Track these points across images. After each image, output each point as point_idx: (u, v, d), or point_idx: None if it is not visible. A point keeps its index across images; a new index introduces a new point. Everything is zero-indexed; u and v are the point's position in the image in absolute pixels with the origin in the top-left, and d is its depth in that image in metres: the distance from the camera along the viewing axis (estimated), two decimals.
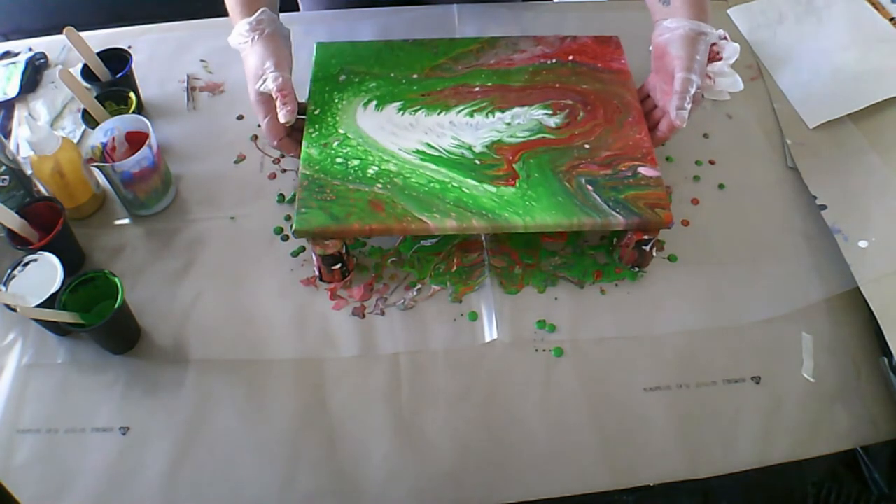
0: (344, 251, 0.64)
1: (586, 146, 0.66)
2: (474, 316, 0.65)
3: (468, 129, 0.68)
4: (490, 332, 0.64)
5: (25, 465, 0.58)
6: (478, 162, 0.65)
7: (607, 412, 0.60)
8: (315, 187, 0.64)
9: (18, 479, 0.57)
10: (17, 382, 0.62)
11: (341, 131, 0.68)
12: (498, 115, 0.69)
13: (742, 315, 0.65)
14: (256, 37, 0.66)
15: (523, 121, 0.69)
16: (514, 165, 0.65)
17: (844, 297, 0.66)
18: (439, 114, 0.69)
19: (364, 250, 0.69)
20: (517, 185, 0.63)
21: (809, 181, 0.73)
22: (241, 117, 0.81)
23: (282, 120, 0.64)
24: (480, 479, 0.57)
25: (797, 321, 0.65)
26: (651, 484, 0.57)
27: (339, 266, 0.65)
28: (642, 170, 0.64)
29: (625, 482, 0.57)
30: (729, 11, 0.92)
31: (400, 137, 0.67)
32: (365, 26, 0.89)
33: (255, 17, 0.67)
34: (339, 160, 0.65)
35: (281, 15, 0.71)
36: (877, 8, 0.87)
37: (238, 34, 0.68)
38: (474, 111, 0.70)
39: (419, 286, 0.67)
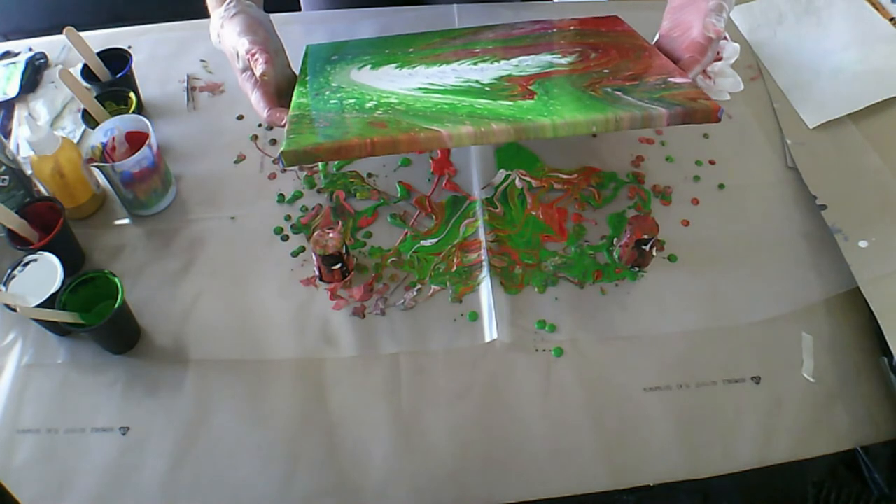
0: (344, 251, 0.64)
1: (605, 70, 0.62)
2: (474, 316, 0.65)
3: (473, 72, 0.65)
4: (490, 332, 0.64)
5: (25, 465, 0.58)
6: (488, 89, 0.61)
7: (607, 412, 0.60)
8: (306, 120, 0.59)
9: (18, 479, 0.57)
10: (17, 382, 0.62)
11: (334, 85, 0.65)
12: (504, 62, 0.66)
13: (742, 315, 0.65)
14: (224, 23, 0.65)
15: (532, 63, 0.65)
16: (529, 87, 0.60)
17: (844, 297, 0.66)
18: (440, 66, 0.66)
19: (364, 250, 0.69)
20: (536, 98, 0.58)
21: (809, 181, 0.73)
22: (241, 117, 0.81)
23: (258, 71, 0.61)
24: (480, 479, 0.57)
25: (797, 321, 0.65)
26: (651, 484, 0.57)
27: (339, 266, 0.65)
28: (672, 79, 0.59)
29: (625, 482, 0.57)
30: None
31: (398, 85, 0.64)
32: (365, 26, 0.89)
33: (224, 6, 0.66)
34: (332, 102, 0.62)
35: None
36: (877, 8, 0.87)
37: (212, 30, 0.67)
38: (478, 62, 0.67)
39: (419, 286, 0.67)
